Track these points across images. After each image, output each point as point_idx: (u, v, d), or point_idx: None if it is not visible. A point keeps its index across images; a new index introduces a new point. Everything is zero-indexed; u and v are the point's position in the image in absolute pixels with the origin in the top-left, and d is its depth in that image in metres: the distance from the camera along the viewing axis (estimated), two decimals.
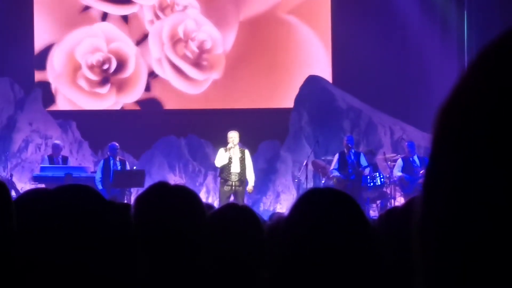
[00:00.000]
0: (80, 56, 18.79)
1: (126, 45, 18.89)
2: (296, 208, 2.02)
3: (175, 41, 18.81)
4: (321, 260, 1.92)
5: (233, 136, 13.98)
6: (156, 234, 2.07)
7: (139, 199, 2.18)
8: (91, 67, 18.78)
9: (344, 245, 1.94)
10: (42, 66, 19.00)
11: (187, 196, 2.18)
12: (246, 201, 15.51)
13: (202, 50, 18.78)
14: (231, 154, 13.94)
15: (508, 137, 0.72)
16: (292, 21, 19.03)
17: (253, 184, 14.15)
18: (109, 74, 18.84)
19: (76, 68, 18.81)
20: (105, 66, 18.81)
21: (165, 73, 18.83)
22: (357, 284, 1.93)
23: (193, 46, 18.73)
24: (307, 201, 2.03)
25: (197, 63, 18.82)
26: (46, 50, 18.96)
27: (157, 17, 18.92)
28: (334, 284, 1.92)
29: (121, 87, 18.89)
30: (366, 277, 1.94)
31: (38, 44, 18.97)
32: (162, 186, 2.19)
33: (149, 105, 18.97)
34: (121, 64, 18.87)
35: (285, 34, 19.01)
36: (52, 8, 18.97)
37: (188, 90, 18.81)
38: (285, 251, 1.97)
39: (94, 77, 18.81)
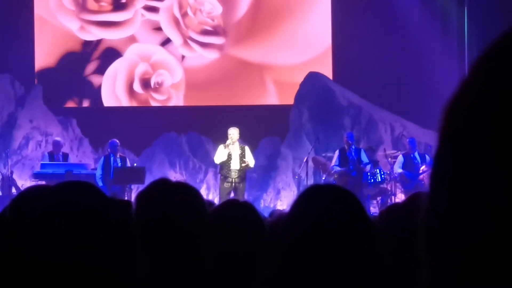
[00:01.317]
0: (142, 88, 19.01)
1: (160, 52, 19.01)
2: (297, 205, 2.02)
3: (189, 22, 18.93)
4: (322, 257, 1.92)
5: (232, 133, 13.94)
6: (157, 231, 2.07)
7: (140, 196, 2.18)
8: (157, 91, 19.01)
9: (345, 242, 1.95)
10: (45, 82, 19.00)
11: (188, 192, 2.18)
12: (247, 197, 15.51)
13: (212, 18, 18.97)
14: (231, 151, 13.92)
15: (508, 138, 0.72)
16: (293, 18, 19.01)
17: (250, 165, 14.04)
18: (169, 86, 18.99)
19: (144, 99, 19.01)
20: (167, 83, 19.02)
21: (197, 51, 19.01)
22: (358, 280, 1.94)
23: (205, 18, 18.96)
24: (308, 198, 2.03)
25: (215, 31, 19.02)
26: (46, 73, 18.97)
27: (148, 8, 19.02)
28: (335, 280, 1.92)
29: (178, 89, 19.07)
30: (367, 273, 1.94)
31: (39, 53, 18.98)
32: (163, 183, 2.18)
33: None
34: (171, 72, 18.97)
35: (286, 31, 19.00)
36: (52, 5, 18.98)
37: (216, 55, 19.08)
38: (286, 248, 1.97)
39: (163, 97, 19.09)
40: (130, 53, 19.05)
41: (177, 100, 19.08)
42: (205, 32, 19.03)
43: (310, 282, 1.93)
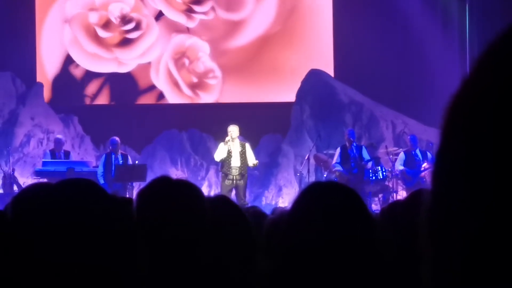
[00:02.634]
0: (197, 77, 19.15)
1: (185, 38, 19.29)
2: (299, 202, 2.02)
3: None
4: (323, 253, 1.92)
5: (232, 130, 13.93)
6: (158, 229, 2.07)
7: (140, 193, 2.18)
8: (208, 72, 19.24)
9: (346, 238, 1.95)
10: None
11: (188, 190, 2.18)
12: (248, 195, 15.52)
13: None
14: (231, 148, 13.90)
15: (509, 134, 0.72)
16: (293, 15, 19.01)
17: (254, 162, 14.01)
18: (210, 61, 19.31)
19: (204, 84, 19.27)
20: (208, 60, 19.24)
21: (199, 19, 19.24)
22: (360, 276, 1.94)
23: None
24: (309, 195, 2.03)
25: None
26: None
27: None
28: (337, 277, 1.92)
29: (214, 59, 19.46)
30: (368, 269, 1.94)
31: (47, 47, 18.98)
32: (163, 181, 2.18)
33: None
34: (202, 49, 19.27)
35: (288, 28, 19.01)
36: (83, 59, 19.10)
37: (213, 16, 19.31)
38: (288, 245, 1.97)
39: (213, 73, 19.28)
40: (171, 54, 19.08)
41: (220, 69, 19.15)
42: (199, 1, 19.16)
43: (312, 278, 1.93)
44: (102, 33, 18.90)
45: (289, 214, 2.02)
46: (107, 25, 18.94)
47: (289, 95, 18.54)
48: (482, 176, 0.74)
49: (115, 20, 18.91)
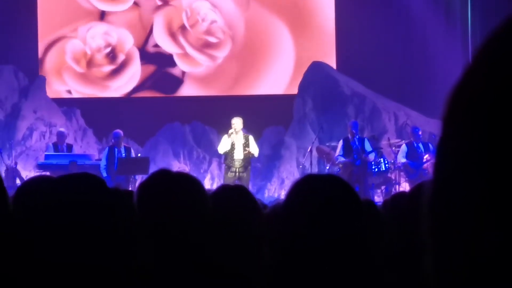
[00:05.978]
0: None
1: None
2: (290, 195, 2.03)
3: None
4: (318, 245, 1.93)
5: (235, 122, 13.93)
6: (158, 221, 2.07)
7: (141, 186, 2.18)
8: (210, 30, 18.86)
9: (340, 229, 1.95)
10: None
11: (189, 183, 2.18)
12: (251, 187, 15.53)
13: None
14: (234, 141, 13.90)
15: (507, 127, 0.72)
16: (296, 7, 18.99)
17: (253, 154, 14.01)
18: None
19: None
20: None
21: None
22: (354, 266, 1.94)
23: None
24: (302, 188, 2.03)
25: None
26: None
27: None
28: (329, 268, 1.93)
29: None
30: (363, 260, 1.95)
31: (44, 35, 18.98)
32: (163, 174, 2.18)
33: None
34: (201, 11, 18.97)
35: (289, 21, 18.98)
36: None
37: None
38: (282, 237, 1.98)
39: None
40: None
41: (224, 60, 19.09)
42: None
43: (308, 270, 1.93)
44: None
45: (283, 206, 2.03)
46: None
47: (291, 88, 18.53)
48: (480, 171, 0.74)
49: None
